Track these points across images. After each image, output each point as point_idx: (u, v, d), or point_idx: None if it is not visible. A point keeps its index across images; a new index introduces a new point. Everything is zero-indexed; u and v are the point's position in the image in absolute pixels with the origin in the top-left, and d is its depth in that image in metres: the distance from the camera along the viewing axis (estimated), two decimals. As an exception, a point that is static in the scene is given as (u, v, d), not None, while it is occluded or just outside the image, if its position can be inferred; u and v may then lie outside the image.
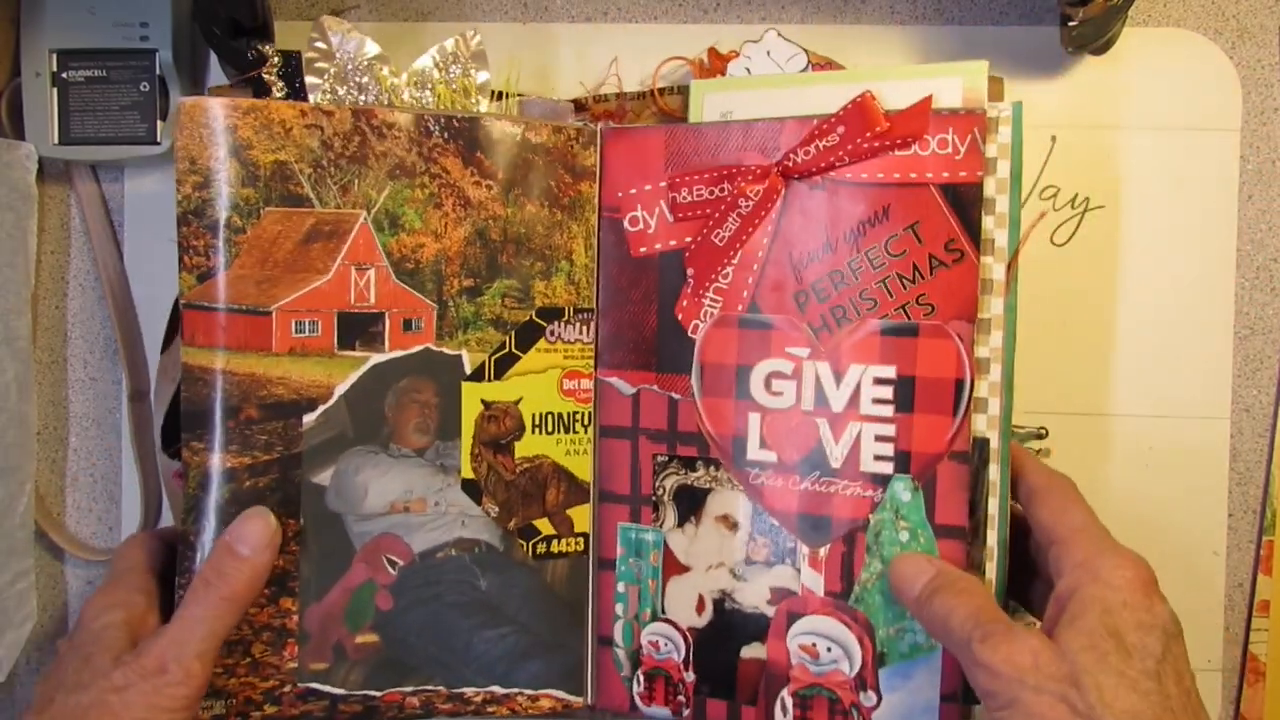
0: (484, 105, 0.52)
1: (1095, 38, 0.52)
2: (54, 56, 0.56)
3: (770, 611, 0.50)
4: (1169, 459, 0.55)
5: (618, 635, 0.52)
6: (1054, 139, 0.56)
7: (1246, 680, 0.56)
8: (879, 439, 0.47)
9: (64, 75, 0.56)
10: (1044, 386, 0.54)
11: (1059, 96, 0.56)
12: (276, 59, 0.51)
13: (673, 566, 0.51)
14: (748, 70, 0.53)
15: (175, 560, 0.48)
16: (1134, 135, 0.55)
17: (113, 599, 0.46)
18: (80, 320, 0.59)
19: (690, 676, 0.51)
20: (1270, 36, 0.56)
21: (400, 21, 0.58)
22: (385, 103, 0.51)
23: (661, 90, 0.55)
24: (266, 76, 0.51)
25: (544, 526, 0.52)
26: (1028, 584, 0.48)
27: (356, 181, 0.48)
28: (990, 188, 0.46)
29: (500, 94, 0.54)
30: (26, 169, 0.56)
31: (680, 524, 0.51)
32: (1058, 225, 0.56)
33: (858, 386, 0.48)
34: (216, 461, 0.47)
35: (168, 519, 0.59)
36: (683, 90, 0.55)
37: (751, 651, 0.50)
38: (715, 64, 0.55)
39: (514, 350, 0.51)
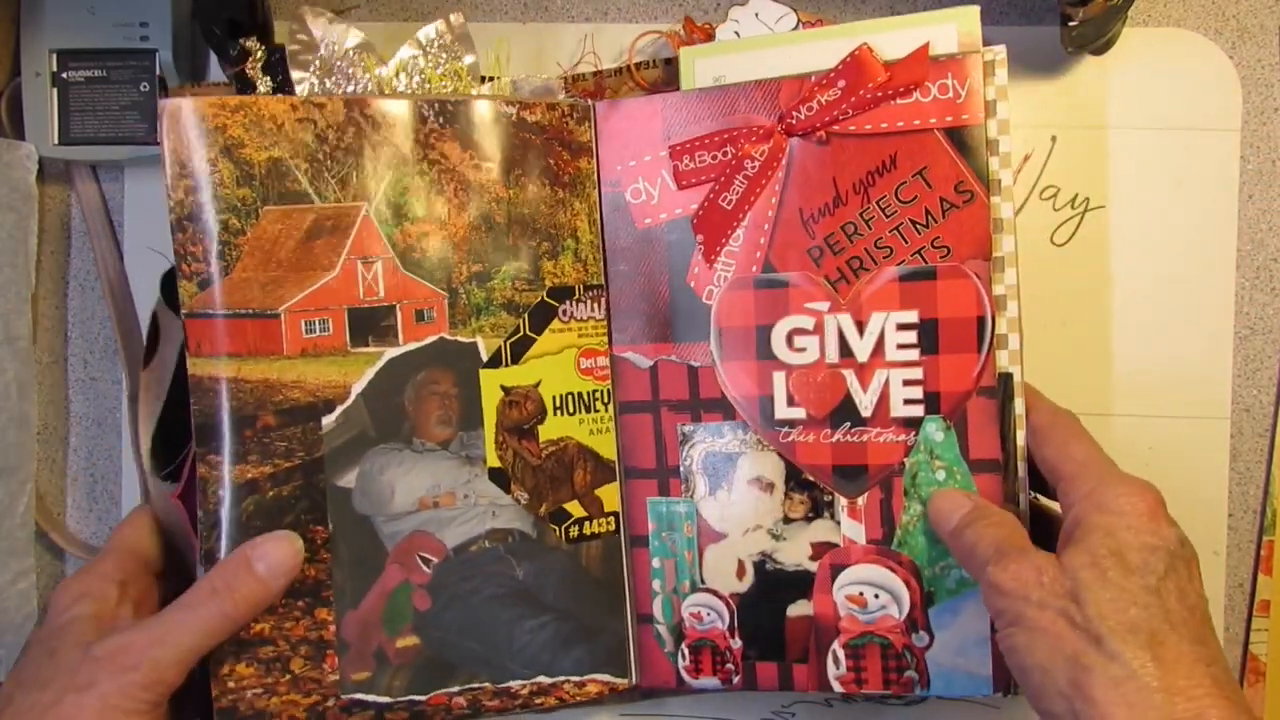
0: (475, 90, 0.52)
1: (1095, 38, 0.52)
2: (54, 56, 0.56)
3: (813, 567, 0.50)
4: (1169, 459, 0.55)
5: (657, 611, 0.52)
6: (1054, 139, 0.56)
7: (1246, 680, 0.56)
8: (907, 383, 0.48)
9: (64, 75, 0.56)
10: (1044, 386, 0.54)
11: (1059, 96, 0.56)
12: (260, 53, 0.50)
13: (708, 535, 0.51)
14: (736, 34, 0.52)
15: (168, 548, 0.47)
16: (1134, 135, 0.55)
17: (84, 588, 0.44)
18: (80, 320, 0.59)
19: (737, 643, 0.51)
20: (1270, 36, 0.56)
21: (401, 21, 0.58)
22: (376, 91, 0.50)
23: (639, 65, 0.55)
24: (250, 72, 0.49)
25: (575, 509, 0.51)
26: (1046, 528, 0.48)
27: (355, 173, 0.47)
28: (993, 129, 0.47)
29: (488, 78, 0.53)
30: (26, 169, 0.56)
31: (712, 491, 0.51)
32: (1058, 225, 0.56)
33: (881, 334, 0.48)
34: (236, 473, 0.45)
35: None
36: (660, 63, 0.55)
37: (798, 609, 0.50)
38: (692, 33, 0.54)
39: (528, 333, 0.50)
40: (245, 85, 0.50)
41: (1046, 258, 0.56)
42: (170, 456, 0.47)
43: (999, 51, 0.47)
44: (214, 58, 0.57)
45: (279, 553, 0.45)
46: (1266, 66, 0.56)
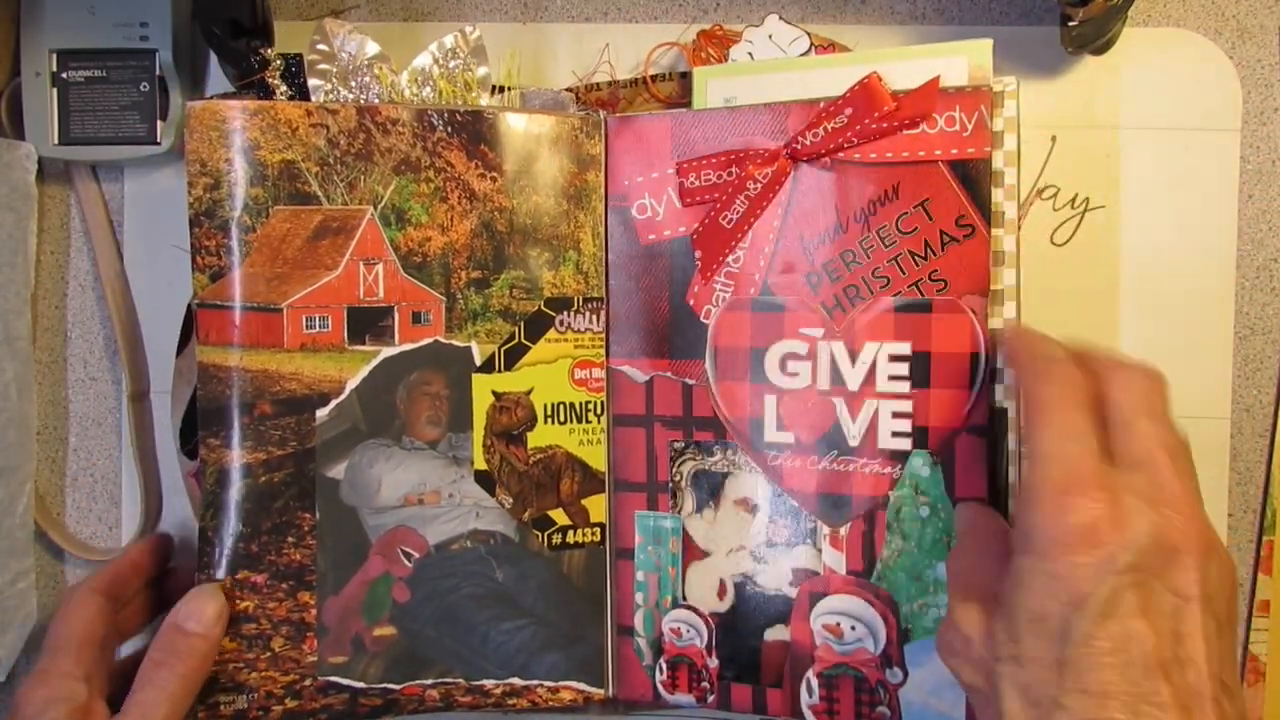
0: (485, 100, 0.52)
1: (1095, 38, 0.52)
2: (54, 56, 0.56)
3: (792, 593, 0.50)
4: (1169, 459, 0.55)
5: (639, 624, 0.52)
6: (1054, 139, 0.56)
7: (1246, 680, 0.56)
8: (896, 415, 0.47)
9: (64, 75, 0.56)
10: (1044, 386, 0.54)
11: (1059, 96, 0.56)
12: (279, 62, 0.52)
13: (692, 552, 0.51)
14: (750, 55, 0.53)
15: (120, 617, 0.47)
16: (1134, 135, 0.55)
17: (51, 692, 0.44)
18: (80, 320, 0.59)
19: (713, 662, 0.51)
20: (1270, 36, 0.56)
21: (400, 21, 0.58)
22: (388, 99, 0.51)
23: (654, 77, 0.55)
24: (270, 80, 0.51)
25: (559, 517, 0.52)
26: None
27: (363, 178, 0.49)
28: (998, 160, 0.46)
29: (500, 88, 0.54)
30: (26, 169, 0.56)
31: (699, 509, 0.51)
32: (1058, 225, 0.56)
33: (873, 364, 0.48)
34: (233, 458, 0.48)
35: (168, 520, 0.59)
36: (675, 76, 0.55)
37: (775, 634, 0.50)
38: (705, 45, 0.55)
39: (523, 341, 0.51)
40: (264, 93, 0.52)
41: (1046, 258, 0.56)
42: (192, 436, 0.50)
43: (1010, 83, 0.47)
44: (214, 58, 0.57)
45: (202, 608, 0.46)
46: (1266, 66, 0.56)
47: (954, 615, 0.39)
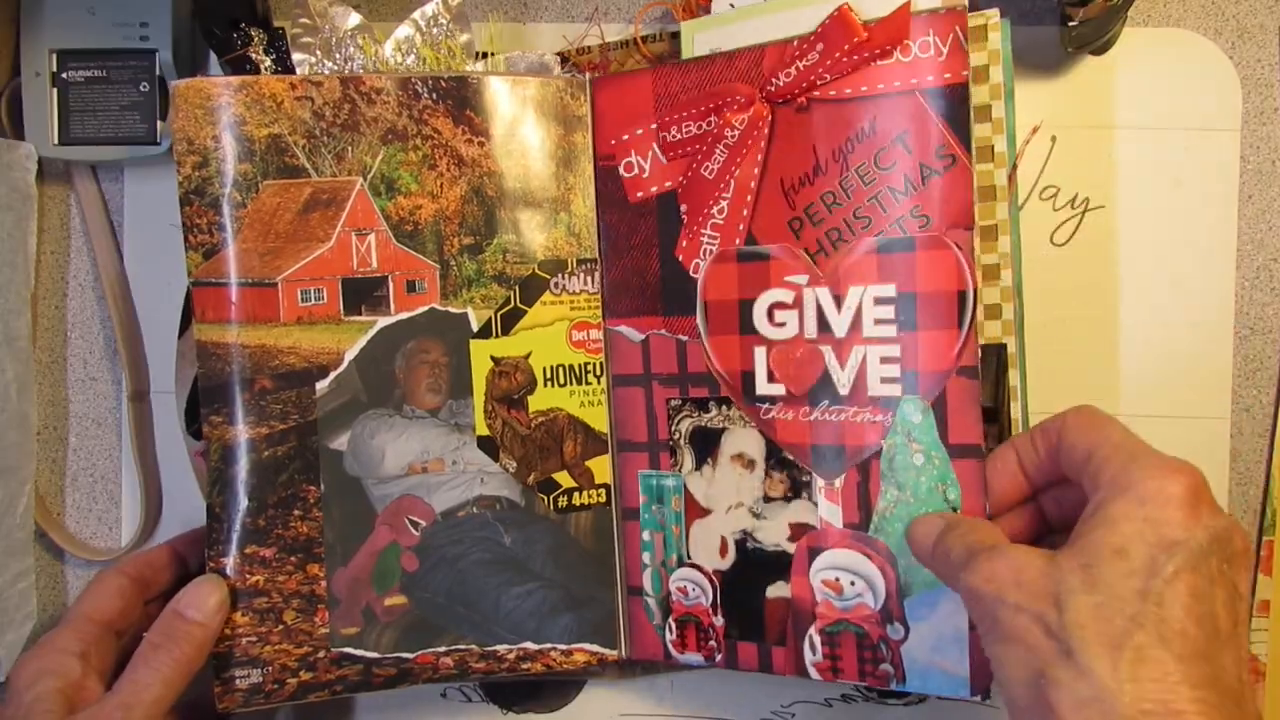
0: (470, 66, 0.52)
1: (1095, 38, 0.52)
2: (54, 56, 0.56)
3: (791, 549, 0.49)
4: (1169, 459, 0.55)
5: (647, 584, 0.52)
6: (1054, 139, 0.56)
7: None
8: (884, 360, 0.46)
9: (64, 75, 0.56)
10: (1044, 387, 0.54)
11: (1059, 96, 0.56)
12: (262, 36, 0.51)
13: (694, 510, 0.51)
14: (731, 5, 0.51)
15: (145, 610, 0.48)
16: (1134, 135, 0.55)
17: (45, 664, 0.44)
18: (80, 320, 0.59)
19: (719, 621, 0.50)
20: (1270, 36, 0.56)
21: (399, 22, 0.58)
22: (372, 70, 0.51)
23: (644, 38, 0.55)
24: (254, 55, 0.51)
25: (564, 480, 0.52)
26: None
27: (350, 149, 0.49)
28: (984, 94, 0.45)
29: (484, 54, 0.54)
30: (26, 169, 0.56)
31: (698, 466, 0.51)
32: (1058, 225, 0.56)
33: (859, 309, 0.46)
34: (236, 433, 0.48)
35: (168, 519, 0.59)
36: (666, 36, 0.54)
37: (776, 591, 0.49)
38: (695, 2, 0.54)
39: (519, 305, 0.51)
40: (246, 69, 0.51)
41: (1046, 257, 0.56)
42: (196, 416, 0.50)
43: (992, 15, 0.45)
44: (214, 58, 0.57)
45: (205, 596, 0.46)
46: (1266, 66, 0.56)
47: (1007, 547, 0.38)
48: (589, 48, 0.56)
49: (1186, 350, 0.55)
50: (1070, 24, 0.50)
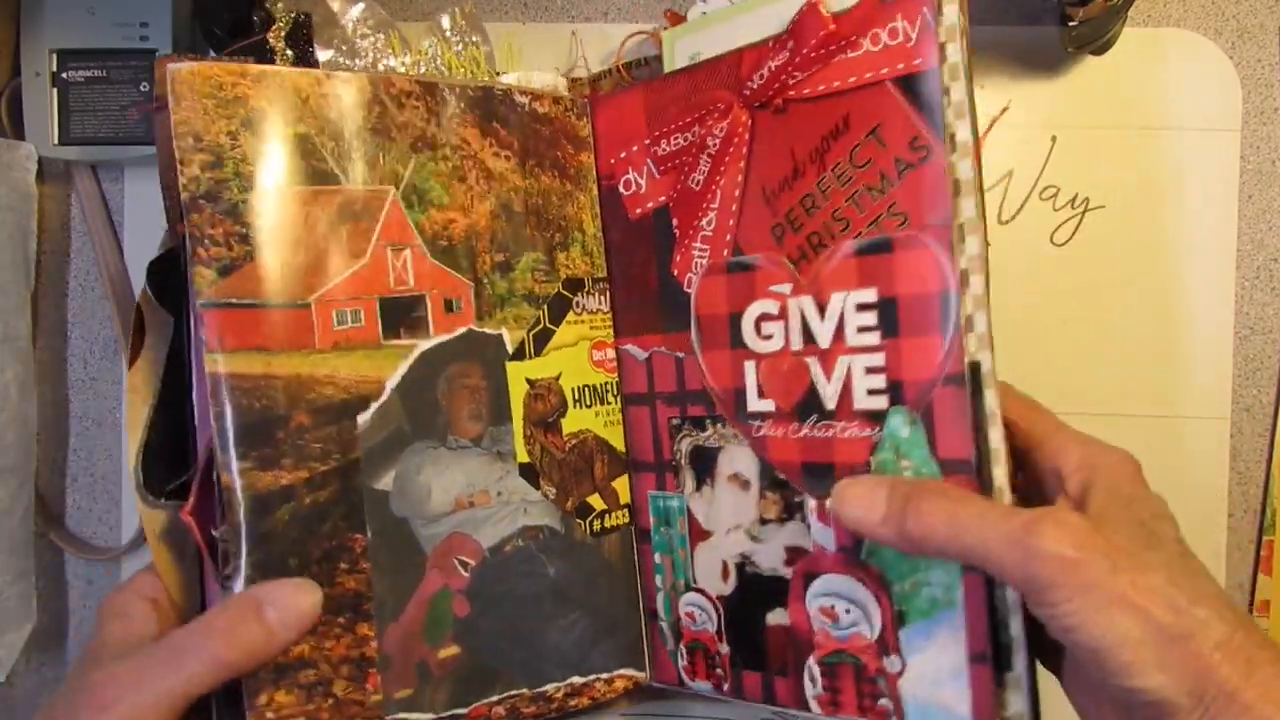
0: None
1: (1095, 38, 0.52)
2: (54, 56, 0.56)
3: (788, 573, 0.47)
4: (1169, 459, 0.55)
5: (660, 608, 0.51)
6: (1054, 139, 0.56)
7: (1247, 680, 0.56)
8: (869, 370, 0.43)
9: (64, 75, 0.56)
10: (1044, 387, 0.54)
11: (1059, 96, 0.56)
12: (284, 22, 0.48)
13: (697, 532, 0.50)
14: (703, 13, 0.50)
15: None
16: (1134, 135, 0.55)
17: (117, 605, 0.41)
18: (80, 320, 0.59)
19: (725, 648, 0.49)
20: (1270, 36, 0.56)
21: (402, 22, 0.58)
22: (401, 70, 0.49)
23: (627, 65, 0.55)
24: (274, 41, 0.48)
25: (596, 502, 0.50)
26: None
27: (381, 155, 0.45)
28: (943, 75, 0.41)
29: (499, 73, 0.54)
30: (26, 169, 0.56)
31: (698, 487, 0.50)
32: (1058, 225, 0.56)
33: (841, 317, 0.44)
34: (268, 480, 0.41)
35: (168, 519, 0.59)
36: (651, 61, 0.54)
37: (776, 618, 0.48)
38: (675, 25, 0.53)
39: (548, 325, 0.49)
40: (260, 56, 0.48)
41: (1046, 258, 0.56)
42: (170, 469, 0.43)
43: None
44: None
45: (295, 601, 0.40)
46: (1266, 66, 0.56)
47: (1060, 519, 0.36)
48: (578, 79, 0.56)
49: (1186, 350, 0.55)
50: (1070, 24, 0.50)
